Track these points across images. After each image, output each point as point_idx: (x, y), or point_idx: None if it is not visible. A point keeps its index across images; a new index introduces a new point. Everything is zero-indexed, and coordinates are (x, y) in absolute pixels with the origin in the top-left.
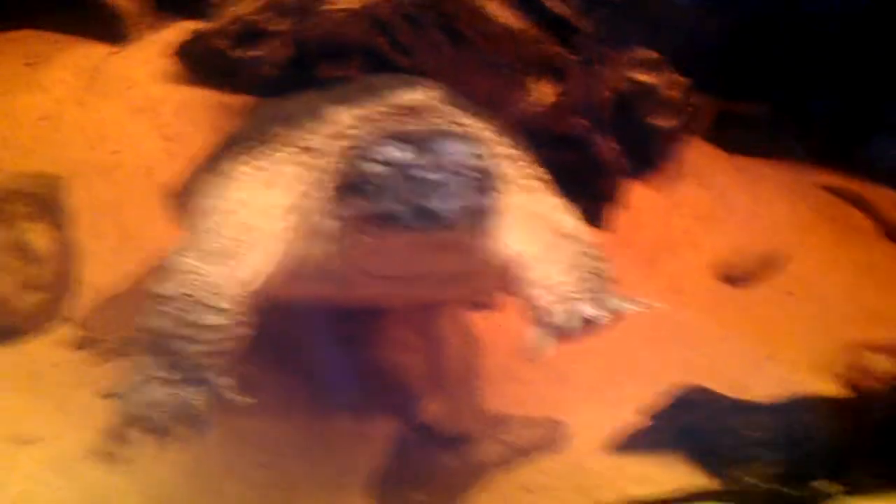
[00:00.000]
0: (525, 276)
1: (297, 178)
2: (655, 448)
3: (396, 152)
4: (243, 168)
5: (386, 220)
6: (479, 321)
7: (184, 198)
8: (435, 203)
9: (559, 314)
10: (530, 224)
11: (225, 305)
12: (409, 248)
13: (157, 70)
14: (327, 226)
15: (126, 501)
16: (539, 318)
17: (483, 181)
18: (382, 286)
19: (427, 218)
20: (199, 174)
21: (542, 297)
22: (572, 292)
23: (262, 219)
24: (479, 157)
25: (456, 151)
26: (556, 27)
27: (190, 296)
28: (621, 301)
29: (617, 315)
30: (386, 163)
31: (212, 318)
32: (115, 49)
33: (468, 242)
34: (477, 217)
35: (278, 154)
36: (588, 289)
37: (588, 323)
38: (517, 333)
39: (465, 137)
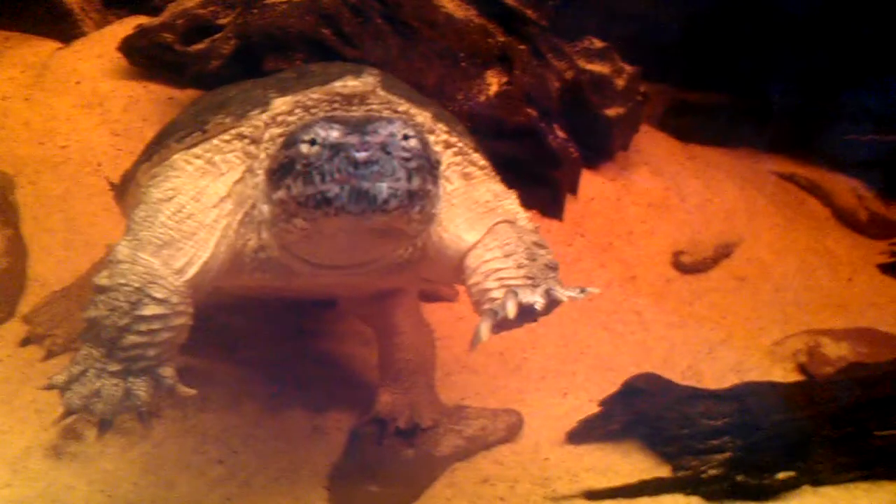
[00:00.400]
0: (471, 266)
1: (231, 166)
2: (611, 437)
3: (325, 132)
4: (179, 157)
5: (320, 203)
6: (436, 312)
7: (124, 188)
8: (368, 184)
9: (497, 301)
10: (471, 211)
11: (160, 295)
12: (346, 234)
13: (105, 66)
14: (263, 211)
15: (75, 496)
16: (480, 305)
17: (418, 163)
18: (326, 276)
19: (362, 200)
20: (137, 164)
21: (485, 286)
22: (513, 280)
23: (197, 207)
24: (413, 138)
25: (387, 132)
26: (505, 17)
27: (126, 285)
28: (562, 288)
29: (556, 302)
30: (315, 142)
31: (149, 309)
32: (63, 45)
33: (405, 227)
34: (414, 200)
35: (214, 142)
36: (528, 276)
37: (525, 309)
38: (474, 324)
39: (397, 120)
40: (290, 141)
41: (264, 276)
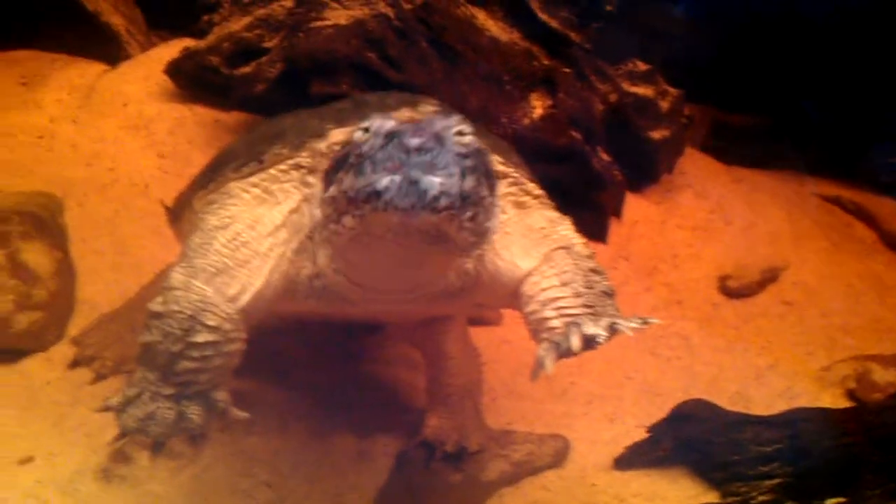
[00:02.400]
0: (527, 293)
1: (287, 196)
2: (659, 462)
3: (381, 121)
4: (238, 185)
5: (369, 197)
6: (481, 336)
7: (179, 213)
8: (419, 174)
9: (559, 331)
10: (525, 237)
11: (214, 322)
12: (394, 238)
13: (151, 88)
14: (315, 215)
15: None
16: (538, 334)
17: (473, 162)
18: (379, 302)
19: (412, 194)
20: (193, 190)
21: (543, 314)
22: (572, 309)
23: (252, 235)
24: (469, 135)
25: (443, 124)
26: (549, 40)
27: (179, 312)
28: (622, 319)
29: (617, 333)
30: (369, 131)
31: (202, 336)
32: (109, 67)
33: (455, 235)
34: (466, 203)
35: (271, 171)
36: (587, 304)
37: (588, 340)
38: (519, 349)
39: (454, 115)
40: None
41: (318, 303)
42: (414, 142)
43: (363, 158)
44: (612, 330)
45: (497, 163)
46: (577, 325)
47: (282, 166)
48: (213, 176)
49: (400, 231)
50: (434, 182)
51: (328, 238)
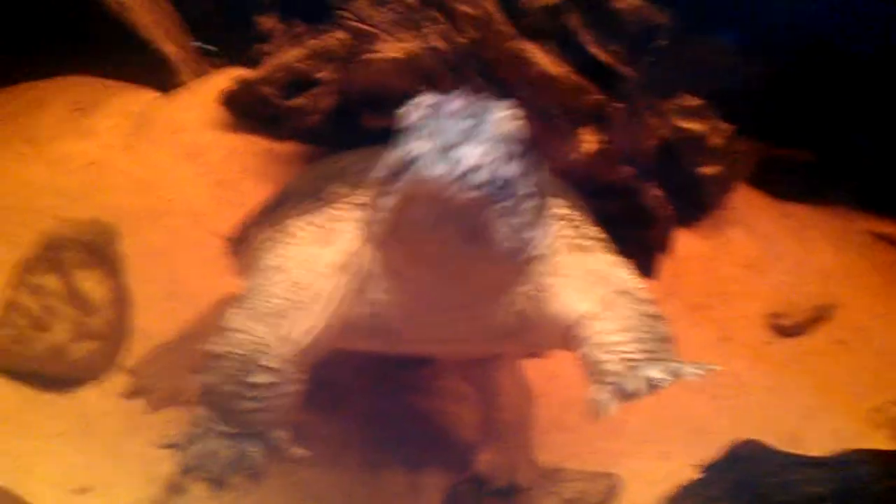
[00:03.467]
0: (583, 335)
1: (345, 235)
2: (711, 503)
3: (430, 97)
4: (297, 224)
5: (407, 165)
6: (531, 370)
7: (238, 248)
8: (456, 138)
9: (621, 377)
10: (586, 281)
11: (273, 365)
12: (431, 222)
13: (204, 116)
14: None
15: None
16: (599, 379)
17: (521, 150)
18: (434, 342)
19: (445, 159)
20: (254, 227)
21: (601, 358)
22: (633, 354)
23: (312, 277)
24: (522, 122)
25: (493, 104)
26: (600, 74)
27: (239, 354)
28: (684, 365)
29: (679, 378)
30: (419, 105)
31: (260, 377)
32: (161, 94)
33: (493, 227)
34: (506, 191)
35: (332, 210)
36: (648, 350)
37: (651, 385)
38: (569, 384)
39: (509, 101)
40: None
41: (374, 342)
42: (454, 106)
43: (407, 130)
44: (676, 375)
45: (559, 205)
46: (642, 369)
47: (340, 205)
48: (272, 212)
49: (432, 209)
50: (470, 152)
51: (376, 242)
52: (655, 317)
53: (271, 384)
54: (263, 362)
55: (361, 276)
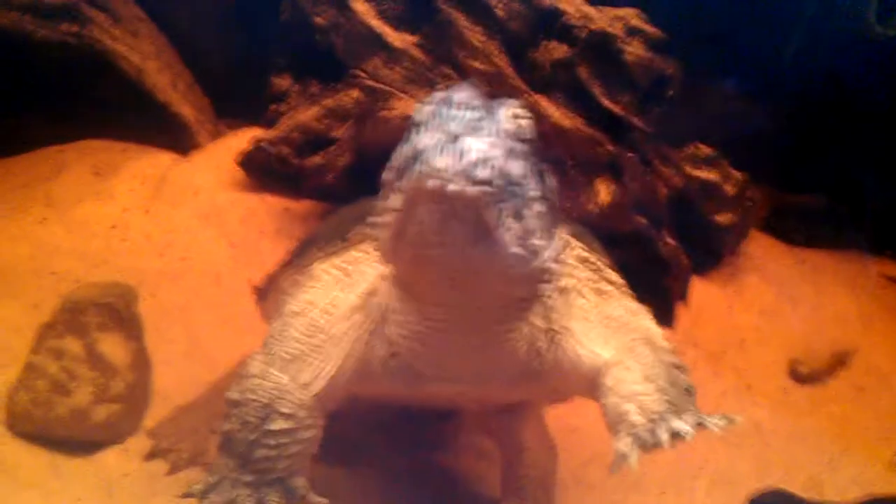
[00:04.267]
0: (605, 384)
1: (365, 277)
2: None
3: (441, 93)
4: (321, 267)
5: (411, 161)
6: (552, 422)
7: (266, 295)
8: (459, 129)
9: (644, 428)
10: (606, 326)
11: (289, 410)
12: (433, 217)
13: (222, 177)
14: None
15: None
16: (622, 430)
17: (523, 149)
18: (451, 379)
19: (450, 151)
20: (281, 270)
21: (624, 409)
22: (655, 404)
23: (328, 320)
24: (527, 121)
25: (502, 102)
26: (612, 125)
27: (255, 400)
28: (706, 416)
29: (703, 430)
30: (429, 102)
31: (277, 423)
32: (180, 156)
33: (493, 227)
34: (507, 191)
35: (352, 252)
36: (670, 400)
37: (674, 437)
38: (590, 436)
39: (517, 100)
40: None
41: (393, 383)
42: (459, 96)
43: (414, 126)
44: (699, 427)
45: (578, 246)
46: (665, 420)
47: (364, 246)
48: (299, 255)
49: (437, 205)
50: (475, 144)
51: (384, 249)
52: (677, 367)
53: (289, 430)
54: (281, 408)
55: (379, 315)
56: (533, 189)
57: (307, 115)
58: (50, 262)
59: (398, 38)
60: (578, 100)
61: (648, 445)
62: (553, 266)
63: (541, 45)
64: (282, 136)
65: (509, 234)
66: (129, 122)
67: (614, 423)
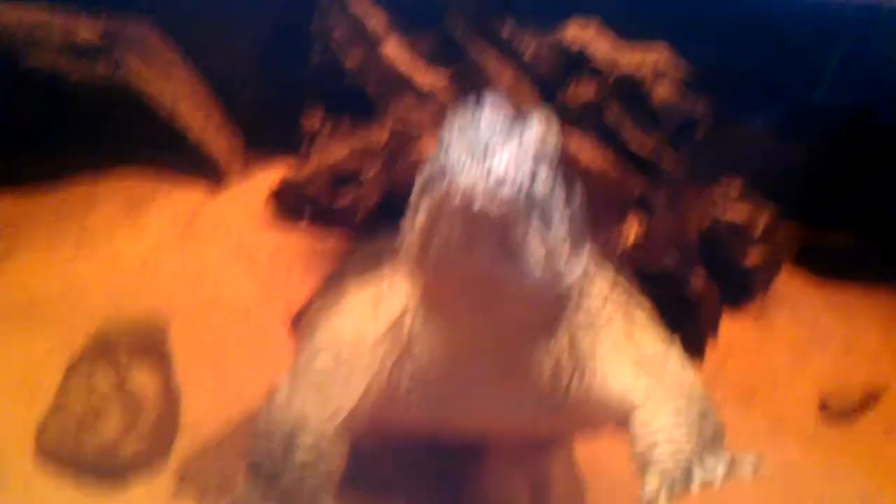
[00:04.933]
0: (635, 427)
1: (392, 307)
2: None
3: (469, 108)
4: (351, 296)
5: (437, 176)
6: (578, 455)
7: (299, 320)
8: (484, 147)
9: (673, 473)
10: (641, 366)
11: (311, 441)
12: (456, 228)
13: (252, 214)
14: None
15: None
16: (651, 474)
17: (548, 174)
18: (479, 414)
19: (476, 168)
20: (310, 304)
21: (653, 453)
22: (685, 449)
23: (353, 351)
24: (553, 142)
25: (531, 122)
26: (640, 166)
27: (279, 431)
28: (738, 460)
29: (731, 477)
30: (457, 117)
31: (300, 454)
32: (210, 192)
33: (517, 239)
34: (532, 209)
35: (382, 285)
36: (700, 444)
37: (703, 483)
38: (616, 470)
39: (550, 122)
40: None
41: (417, 413)
42: (488, 112)
43: (443, 145)
44: (729, 473)
45: (611, 269)
46: (698, 465)
47: (393, 278)
48: (332, 283)
49: (463, 223)
50: (502, 162)
51: (409, 267)
52: (708, 410)
53: (311, 462)
54: (304, 440)
55: (404, 345)
56: (559, 208)
57: (337, 154)
58: (81, 298)
59: (427, 81)
60: (607, 141)
61: (677, 489)
62: (577, 291)
63: (570, 86)
64: (312, 175)
65: (534, 254)
66: (161, 159)
67: (643, 464)
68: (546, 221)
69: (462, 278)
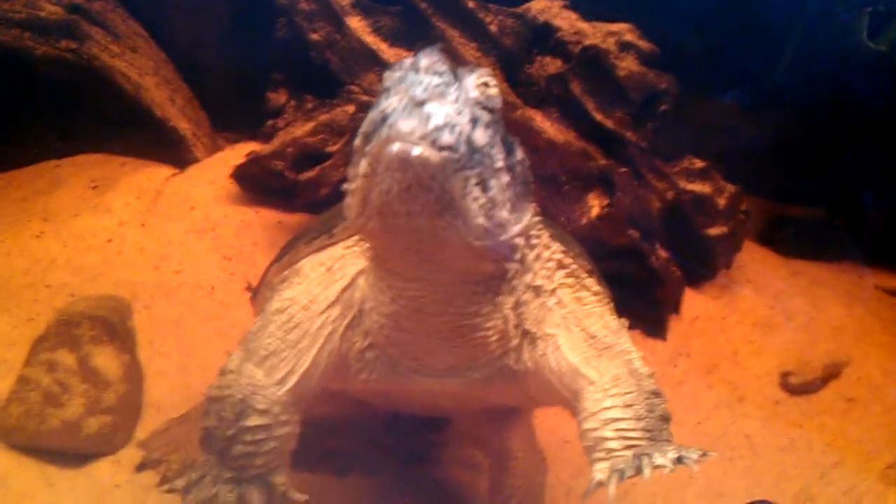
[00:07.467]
0: (585, 407)
1: (345, 272)
2: None
3: (409, 58)
4: (305, 264)
5: (379, 125)
6: (543, 434)
7: (258, 290)
8: (424, 94)
9: (622, 457)
10: (591, 347)
11: (262, 406)
12: (398, 184)
13: (217, 192)
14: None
15: None
16: (594, 452)
17: (490, 118)
18: (431, 376)
19: (414, 116)
20: (271, 266)
21: (602, 435)
22: (633, 432)
23: (304, 315)
24: (494, 88)
25: (470, 69)
26: (605, 140)
27: (231, 396)
28: (686, 451)
29: (680, 465)
30: (398, 67)
31: (252, 419)
32: (176, 171)
33: (458, 195)
34: (473, 159)
35: (337, 247)
36: (647, 429)
37: (652, 469)
38: (581, 449)
39: (485, 68)
40: None
41: (369, 377)
42: (427, 62)
43: (383, 91)
44: (679, 462)
45: (558, 251)
46: (647, 455)
47: (348, 242)
48: (288, 250)
49: (401, 171)
50: (440, 109)
51: (350, 218)
52: (657, 394)
53: (263, 426)
54: (255, 404)
55: (356, 309)
56: (500, 159)
57: (302, 130)
58: (45, 275)
59: (393, 54)
60: (572, 114)
61: (628, 473)
62: (521, 242)
63: (535, 60)
64: (277, 150)
65: (475, 204)
66: (127, 136)
67: (591, 446)
68: (487, 169)
69: (404, 226)
